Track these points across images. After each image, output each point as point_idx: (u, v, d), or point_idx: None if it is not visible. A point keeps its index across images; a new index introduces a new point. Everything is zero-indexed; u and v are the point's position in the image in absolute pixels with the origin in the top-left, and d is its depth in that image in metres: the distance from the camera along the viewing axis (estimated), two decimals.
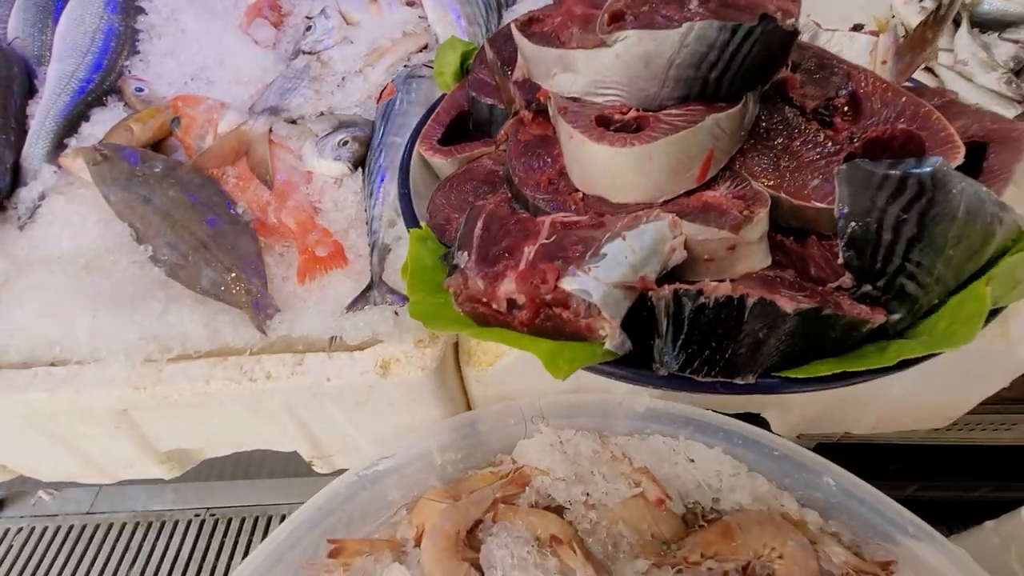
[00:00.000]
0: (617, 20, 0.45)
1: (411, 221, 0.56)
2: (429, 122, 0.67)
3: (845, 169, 0.43)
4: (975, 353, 0.56)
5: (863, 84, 0.54)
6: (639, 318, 0.41)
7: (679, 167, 0.45)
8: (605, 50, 0.45)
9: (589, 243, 0.41)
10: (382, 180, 0.69)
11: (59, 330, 0.62)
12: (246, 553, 1.76)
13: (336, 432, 0.65)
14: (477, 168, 0.60)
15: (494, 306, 0.39)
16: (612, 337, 0.36)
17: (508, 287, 0.38)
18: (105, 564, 1.83)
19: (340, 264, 0.64)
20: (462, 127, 0.67)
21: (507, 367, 0.60)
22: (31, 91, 0.88)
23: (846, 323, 0.39)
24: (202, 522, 1.88)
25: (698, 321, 0.38)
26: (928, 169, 0.41)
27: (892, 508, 0.52)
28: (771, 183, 0.49)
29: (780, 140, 0.51)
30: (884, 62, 0.59)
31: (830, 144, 0.50)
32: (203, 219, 0.68)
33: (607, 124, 0.47)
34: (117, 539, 1.87)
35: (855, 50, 0.62)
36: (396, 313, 0.58)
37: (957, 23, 0.76)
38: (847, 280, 0.41)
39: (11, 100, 0.84)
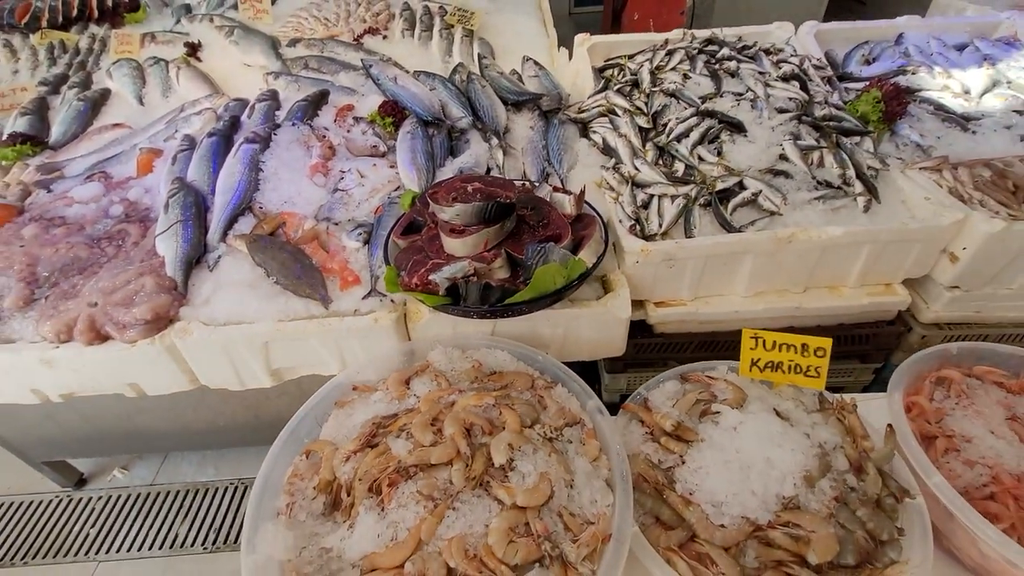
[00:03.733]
0: (454, 200, 1.40)
1: (388, 264, 1.49)
2: (397, 225, 1.61)
3: (528, 246, 1.37)
4: (602, 315, 1.48)
5: (552, 215, 1.50)
6: (456, 290, 1.32)
7: (476, 246, 1.38)
8: (451, 208, 1.40)
9: (442, 267, 1.33)
10: (376, 249, 1.62)
11: (241, 309, 1.50)
12: None
13: (353, 354, 1.53)
14: (414, 244, 1.53)
15: (411, 285, 1.30)
16: (441, 292, 1.27)
17: (415, 280, 1.30)
18: (163, 522, 2.48)
19: (357, 283, 1.56)
20: (410, 228, 1.62)
21: (424, 323, 1.50)
22: (206, 207, 1.82)
23: (514, 290, 1.31)
24: (235, 489, 2.58)
25: (470, 288, 1.30)
26: (549, 245, 1.36)
27: (565, 370, 1.40)
28: (512, 249, 1.42)
29: (519, 236, 1.46)
30: (572, 204, 1.56)
31: (534, 237, 1.45)
32: (298, 264, 1.59)
33: (453, 231, 1.40)
34: (173, 502, 2.55)
35: (565, 200, 1.58)
36: (380, 300, 1.49)
37: (628, 182, 1.75)
38: (522, 279, 1.34)
39: (201, 212, 1.77)
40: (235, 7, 2.90)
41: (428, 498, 1.09)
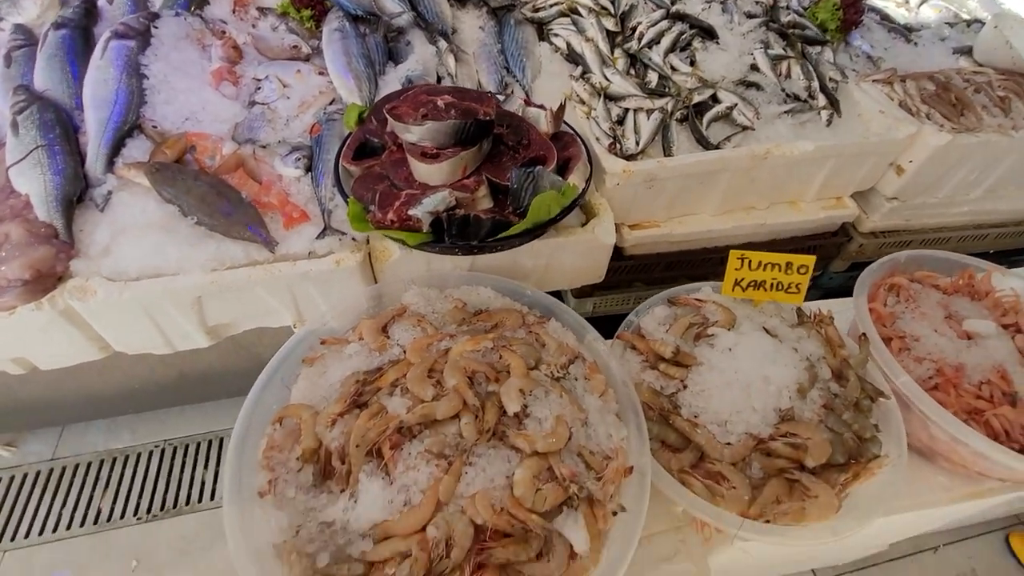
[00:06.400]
0: (424, 117, 1.18)
1: (344, 197, 1.25)
2: (345, 148, 1.35)
3: (513, 171, 1.21)
4: (585, 243, 1.40)
5: (531, 133, 1.33)
6: (439, 225, 1.15)
7: (453, 172, 1.20)
8: (421, 126, 1.18)
9: (420, 199, 1.14)
10: (322, 178, 1.36)
11: (159, 259, 1.21)
12: (206, 468, 2.25)
13: (310, 301, 1.32)
14: (372, 172, 1.30)
15: (385, 222, 1.11)
16: (424, 228, 1.10)
17: (391, 216, 1.10)
18: (78, 498, 2.17)
19: (305, 219, 1.31)
20: (361, 150, 1.37)
21: (394, 262, 1.32)
22: (75, 127, 1.39)
23: (505, 222, 1.17)
24: (162, 452, 2.31)
25: (456, 223, 1.13)
26: (538, 169, 1.21)
27: (556, 303, 1.32)
28: (492, 174, 1.25)
29: (497, 158, 1.29)
30: (549, 121, 1.39)
31: (515, 159, 1.28)
32: (224, 200, 1.29)
33: (425, 155, 1.20)
34: (85, 475, 2.23)
35: (540, 116, 1.41)
36: (340, 239, 1.27)
37: (600, 94, 1.60)
38: (511, 210, 1.19)
39: (70, 134, 1.35)
40: None
41: (439, 456, 1.00)
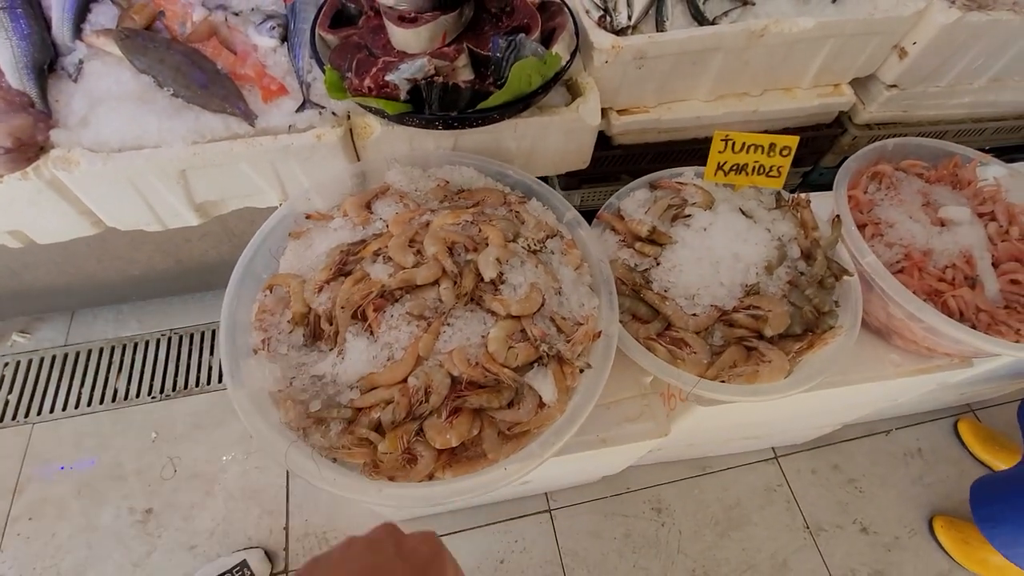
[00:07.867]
0: None
1: (321, 66, 1.22)
2: (321, 16, 1.29)
3: (494, 39, 1.16)
4: (570, 123, 1.38)
5: (516, 1, 1.26)
6: (419, 95, 1.13)
7: (432, 38, 1.15)
8: None
9: (397, 65, 1.11)
10: (299, 49, 1.31)
11: (138, 130, 1.20)
12: (212, 355, 2.38)
13: (294, 179, 1.33)
14: (350, 40, 1.25)
15: (363, 88, 1.09)
16: (402, 96, 1.08)
17: (368, 82, 1.08)
18: (94, 379, 2.32)
19: (284, 93, 1.28)
20: (338, 18, 1.31)
21: (375, 139, 1.31)
22: None
23: (485, 92, 1.15)
24: (168, 340, 2.43)
25: (435, 91, 1.11)
26: (520, 37, 1.16)
27: (539, 183, 1.33)
28: (474, 44, 1.21)
29: (479, 27, 1.23)
30: None
31: (497, 28, 1.23)
32: (199, 71, 1.26)
33: (403, 19, 1.15)
34: (99, 359, 2.37)
35: None
36: (320, 113, 1.26)
37: None
38: (491, 81, 1.17)
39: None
40: None
41: (419, 318, 1.07)
